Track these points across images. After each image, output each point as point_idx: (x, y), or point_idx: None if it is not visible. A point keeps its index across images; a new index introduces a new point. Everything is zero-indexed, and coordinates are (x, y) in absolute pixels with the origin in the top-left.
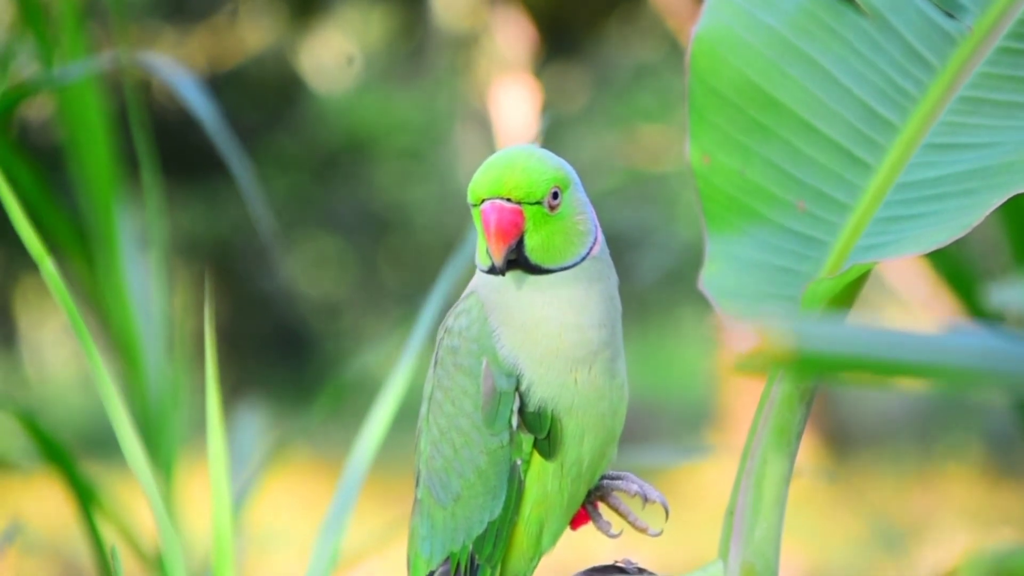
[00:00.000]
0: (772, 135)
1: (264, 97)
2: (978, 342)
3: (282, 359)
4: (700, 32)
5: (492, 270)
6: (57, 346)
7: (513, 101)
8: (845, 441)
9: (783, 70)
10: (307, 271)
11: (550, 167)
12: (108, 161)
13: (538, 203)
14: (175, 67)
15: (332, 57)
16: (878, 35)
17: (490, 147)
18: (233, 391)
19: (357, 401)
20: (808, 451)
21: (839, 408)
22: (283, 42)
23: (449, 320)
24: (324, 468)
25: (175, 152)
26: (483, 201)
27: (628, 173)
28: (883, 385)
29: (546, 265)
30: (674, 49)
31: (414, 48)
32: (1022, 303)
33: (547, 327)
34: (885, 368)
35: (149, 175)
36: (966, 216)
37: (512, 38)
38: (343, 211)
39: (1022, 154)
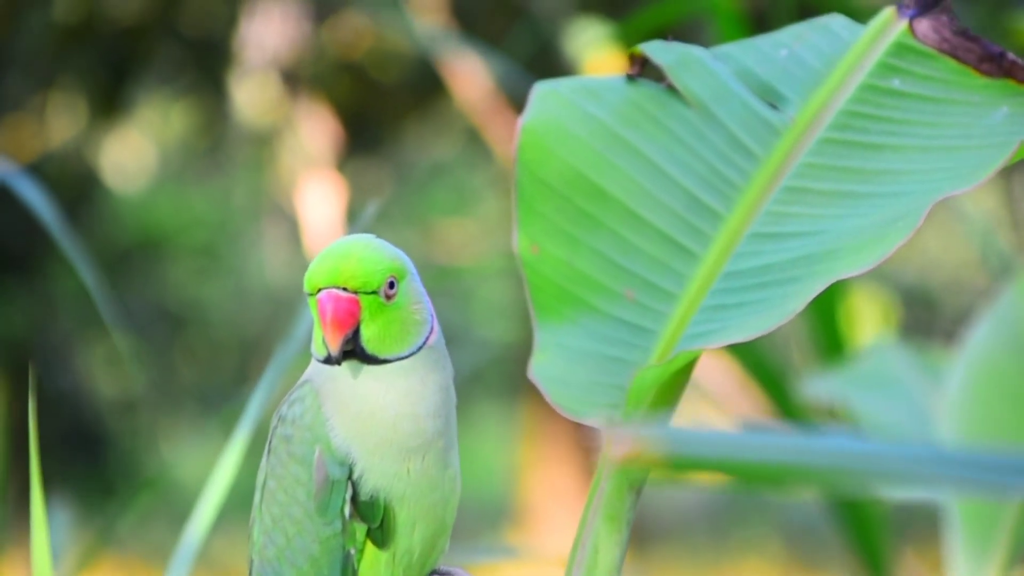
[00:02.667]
0: (599, 225)
1: (59, 195)
2: (853, 447)
3: (78, 457)
4: (527, 123)
5: (328, 359)
6: None
7: (318, 196)
8: (642, 535)
9: (610, 161)
10: (101, 369)
11: (386, 257)
12: None
13: (374, 293)
14: (5, 164)
15: (129, 155)
16: (703, 126)
17: (296, 241)
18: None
19: (155, 499)
20: None
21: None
22: (80, 140)
23: (283, 408)
24: (128, 568)
25: None
26: (319, 290)
27: (432, 270)
28: (758, 486)
29: (382, 355)
30: (469, 145)
31: (213, 144)
32: (830, 395)
33: (382, 416)
34: (761, 473)
35: None
36: (790, 303)
37: (315, 133)
38: (137, 309)
39: (843, 242)
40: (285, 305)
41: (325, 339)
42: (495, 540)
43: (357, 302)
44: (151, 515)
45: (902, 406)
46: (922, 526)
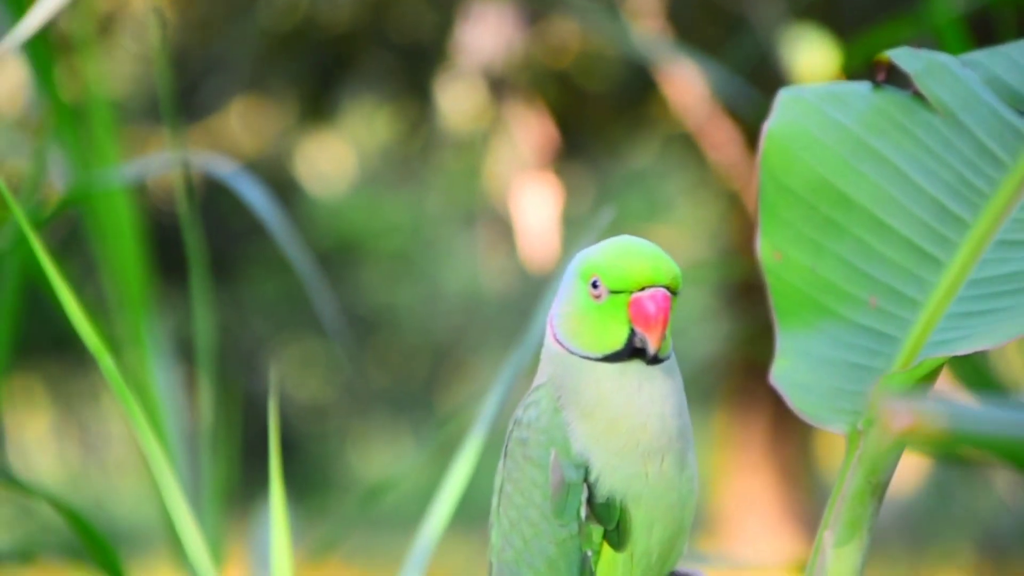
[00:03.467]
0: (844, 232)
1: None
2: None
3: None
4: (772, 129)
5: (613, 357)
6: (43, 448)
7: (533, 199)
8: None
9: (855, 167)
10: (294, 373)
11: None
12: (138, 267)
13: (677, 294)
14: (224, 164)
15: (330, 161)
16: (949, 133)
17: (511, 246)
18: (227, 494)
19: (343, 502)
20: (796, 552)
21: (824, 508)
22: (281, 144)
23: (518, 412)
24: (332, 571)
25: (164, 255)
26: (642, 288)
27: None
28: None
29: (662, 355)
30: (667, 152)
31: (418, 150)
32: None
33: (633, 418)
34: None
35: (199, 282)
36: None
37: (527, 137)
38: (331, 313)
39: None
40: (480, 311)
41: (646, 338)
42: (692, 548)
43: (670, 301)
44: (341, 517)
45: None
46: None
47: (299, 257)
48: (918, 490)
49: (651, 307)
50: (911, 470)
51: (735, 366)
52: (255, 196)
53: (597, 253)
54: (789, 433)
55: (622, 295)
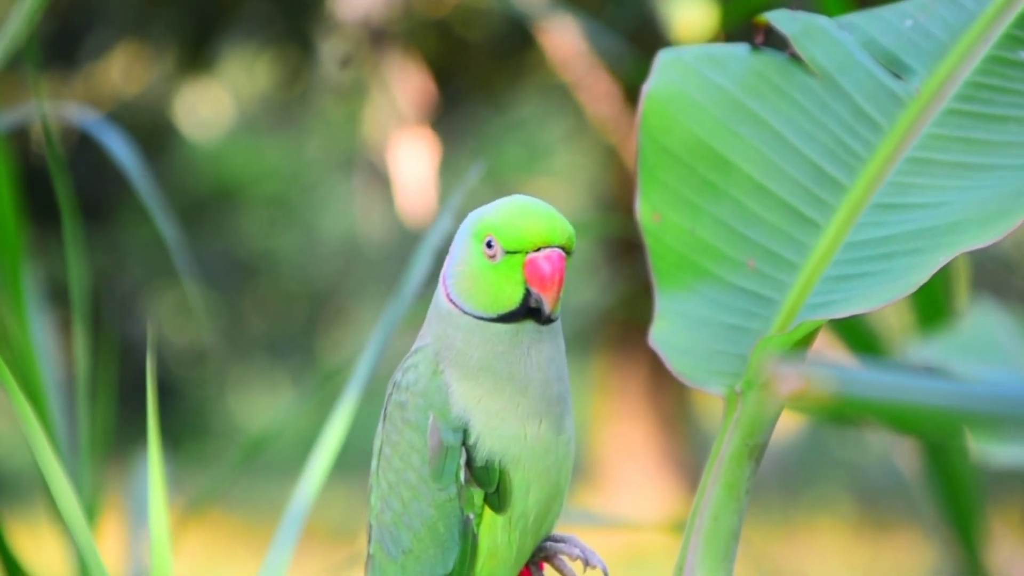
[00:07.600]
0: (722, 194)
1: (135, 144)
2: None
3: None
4: (651, 91)
5: (507, 317)
6: None
7: (410, 152)
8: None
9: (733, 130)
10: (172, 318)
11: None
12: (12, 213)
13: (571, 254)
14: (91, 114)
15: (207, 106)
16: (827, 96)
17: (388, 197)
18: (104, 441)
19: (224, 453)
20: (674, 501)
21: (702, 456)
22: (159, 90)
23: (397, 375)
24: (211, 522)
25: (41, 200)
26: (538, 249)
27: None
28: (922, 433)
29: (554, 316)
30: (542, 104)
31: (297, 97)
32: (936, 362)
33: (519, 382)
34: (926, 419)
35: (70, 227)
36: (914, 275)
37: (405, 89)
38: (208, 258)
39: (968, 213)
40: (359, 257)
41: (542, 298)
42: (575, 501)
43: (565, 261)
44: (215, 463)
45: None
46: (1003, 490)
47: (156, 204)
48: (795, 439)
49: (547, 268)
50: (788, 420)
51: (615, 316)
52: (119, 146)
53: (492, 212)
54: (667, 382)
55: (517, 255)
